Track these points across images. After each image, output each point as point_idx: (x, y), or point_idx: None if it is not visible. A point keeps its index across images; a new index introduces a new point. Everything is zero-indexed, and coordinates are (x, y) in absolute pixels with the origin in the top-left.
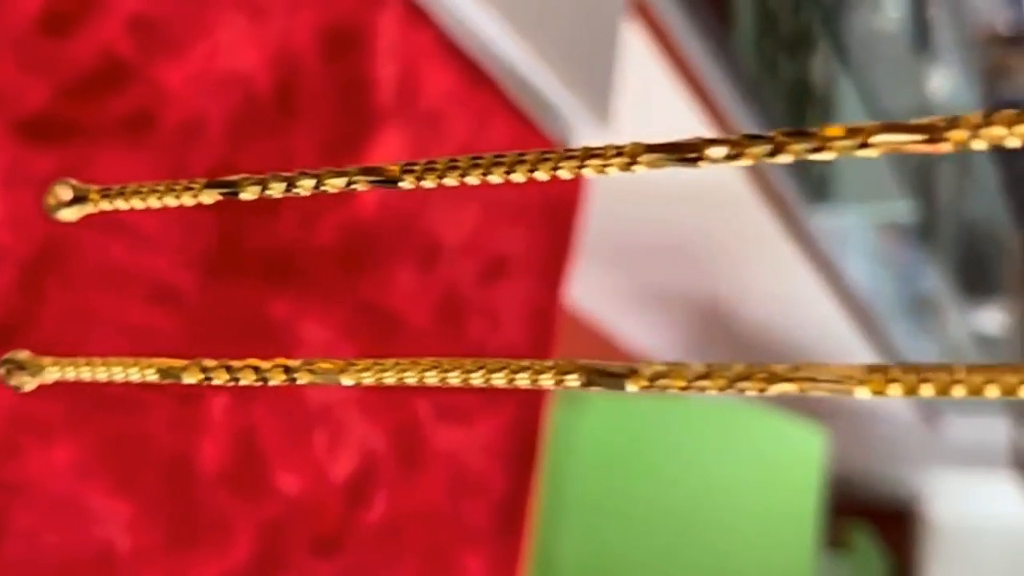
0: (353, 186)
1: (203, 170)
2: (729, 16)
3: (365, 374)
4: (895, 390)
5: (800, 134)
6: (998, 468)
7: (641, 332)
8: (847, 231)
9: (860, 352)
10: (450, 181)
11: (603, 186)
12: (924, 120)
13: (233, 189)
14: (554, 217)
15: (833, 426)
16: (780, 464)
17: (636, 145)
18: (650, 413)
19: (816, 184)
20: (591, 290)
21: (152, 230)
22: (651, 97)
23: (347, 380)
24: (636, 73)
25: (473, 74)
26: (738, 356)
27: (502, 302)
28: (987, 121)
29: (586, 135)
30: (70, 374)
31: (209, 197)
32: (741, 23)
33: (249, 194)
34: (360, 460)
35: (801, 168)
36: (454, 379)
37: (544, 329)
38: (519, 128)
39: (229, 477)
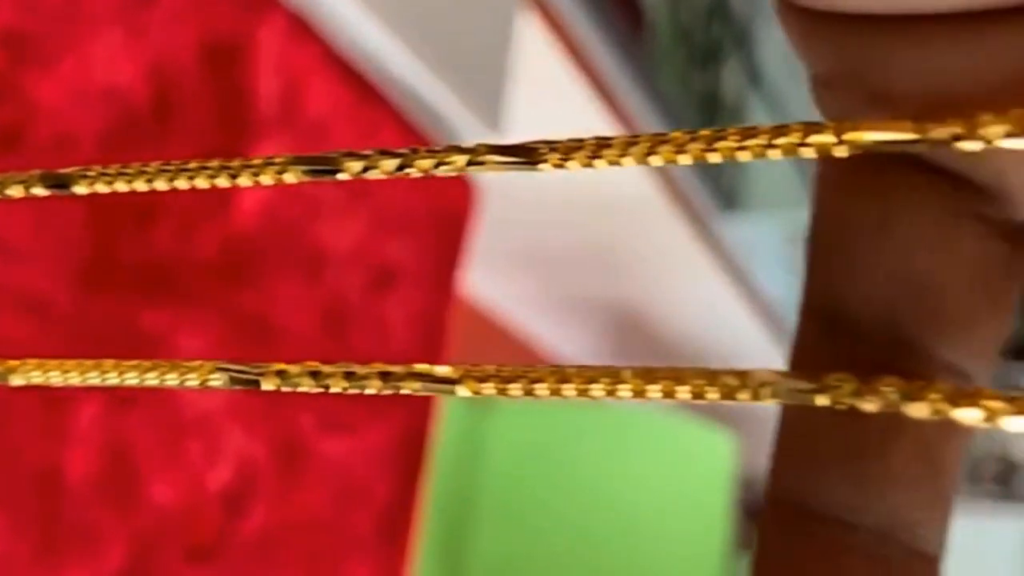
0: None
1: None
2: (642, 25)
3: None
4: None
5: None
6: None
7: (559, 338)
8: (758, 239)
9: (774, 358)
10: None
11: (517, 193)
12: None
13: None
14: (442, 225)
15: (742, 431)
16: (690, 468)
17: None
18: (561, 417)
19: (727, 192)
20: (509, 296)
21: (22, 241)
22: (557, 105)
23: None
24: (542, 80)
25: (360, 87)
26: (654, 360)
27: (390, 311)
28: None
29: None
30: None
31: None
32: (655, 33)
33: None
34: (237, 469)
35: (712, 176)
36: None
37: (434, 338)
38: (408, 139)
39: (99, 487)
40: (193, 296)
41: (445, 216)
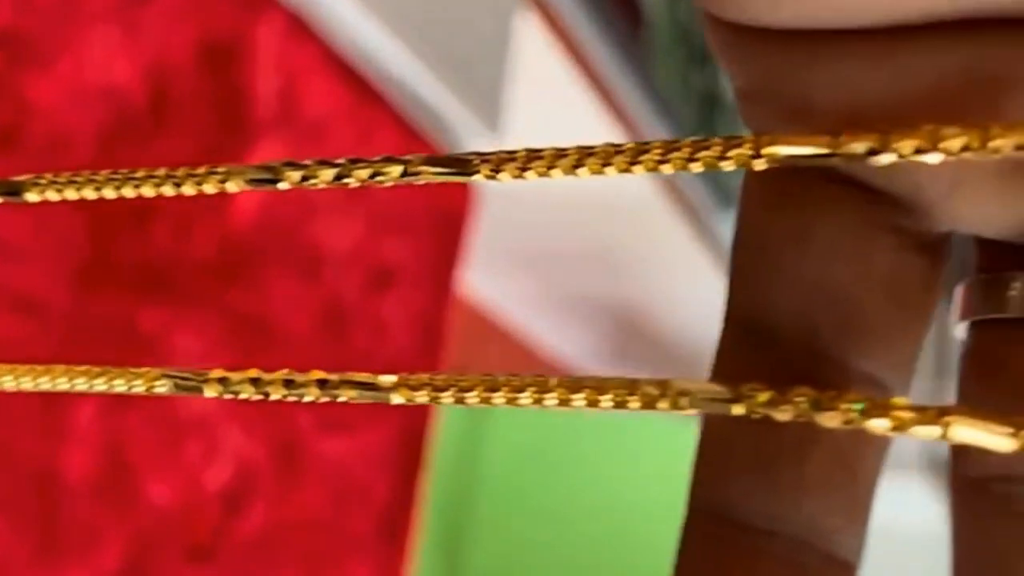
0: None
1: None
2: (641, 25)
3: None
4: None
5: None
6: (907, 470)
7: (559, 338)
8: None
9: None
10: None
11: (517, 192)
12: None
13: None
14: (442, 225)
15: None
16: (686, 473)
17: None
18: (561, 418)
19: (727, 191)
20: (509, 296)
21: (18, 240)
22: (556, 104)
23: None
24: (541, 80)
25: (359, 87)
26: (655, 360)
27: (389, 311)
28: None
29: (476, 144)
30: None
31: None
32: (654, 32)
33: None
34: (236, 469)
35: (712, 175)
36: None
37: (433, 338)
38: (406, 140)
39: (98, 486)
40: (191, 296)
41: (444, 216)
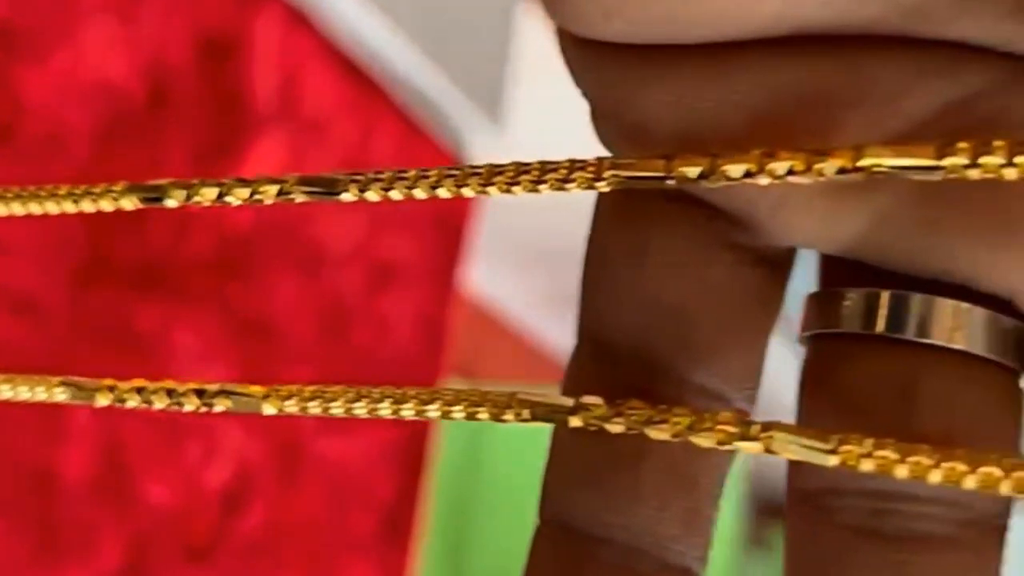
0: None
1: (68, 180)
2: None
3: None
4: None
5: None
6: None
7: (563, 335)
8: None
9: (775, 354)
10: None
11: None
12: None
13: None
14: (444, 222)
15: None
16: None
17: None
18: None
19: None
20: (513, 293)
21: (15, 238)
22: (558, 96)
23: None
24: (544, 72)
25: (359, 79)
26: None
27: (391, 310)
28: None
29: (478, 138)
30: None
31: None
32: None
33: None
34: (235, 469)
35: None
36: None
37: (436, 336)
38: (408, 134)
39: (96, 487)
40: (190, 294)
41: (447, 213)
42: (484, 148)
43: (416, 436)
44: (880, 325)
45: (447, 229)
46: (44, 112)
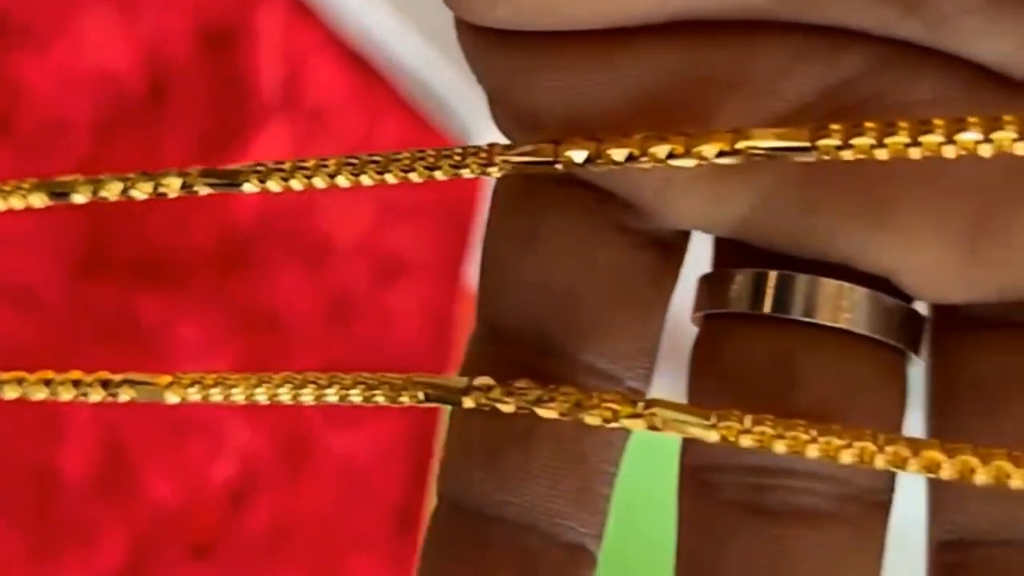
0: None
1: (69, 171)
2: None
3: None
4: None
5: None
6: None
7: None
8: None
9: None
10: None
11: None
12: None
13: None
14: (451, 215)
15: None
16: None
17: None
18: None
19: None
20: None
21: (15, 230)
22: None
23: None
24: None
25: (364, 70)
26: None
27: (396, 303)
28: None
29: (484, 131)
30: None
31: None
32: None
33: None
34: (241, 464)
35: None
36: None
37: (442, 329)
38: (413, 125)
39: (98, 483)
40: (193, 286)
41: (454, 206)
42: (489, 140)
43: (426, 430)
44: (767, 305)
45: (455, 222)
46: (44, 104)
